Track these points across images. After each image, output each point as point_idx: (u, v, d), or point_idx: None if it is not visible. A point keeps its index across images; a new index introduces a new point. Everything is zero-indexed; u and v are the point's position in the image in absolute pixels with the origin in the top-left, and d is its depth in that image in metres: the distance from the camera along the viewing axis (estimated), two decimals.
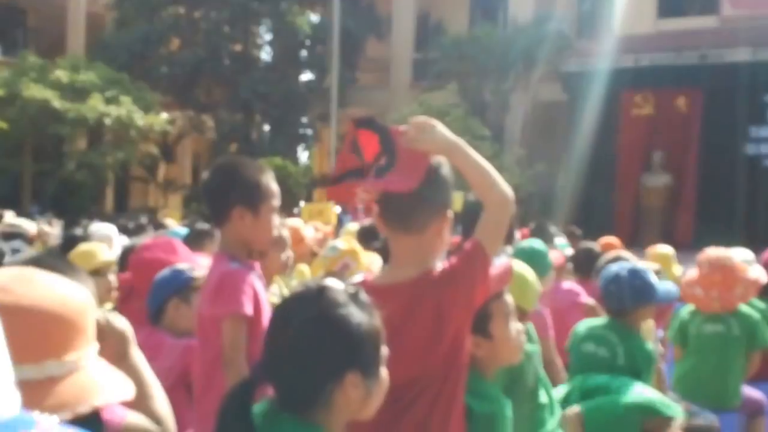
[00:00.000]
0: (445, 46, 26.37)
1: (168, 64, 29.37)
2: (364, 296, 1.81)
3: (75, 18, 29.33)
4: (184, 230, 6.21)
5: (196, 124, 30.21)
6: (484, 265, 2.23)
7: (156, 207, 27.78)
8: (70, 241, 6.20)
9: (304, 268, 5.61)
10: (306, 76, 31.71)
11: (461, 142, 2.26)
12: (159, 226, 9.86)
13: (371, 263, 4.68)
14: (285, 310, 1.82)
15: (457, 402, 2.28)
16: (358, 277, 2.46)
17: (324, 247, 5.50)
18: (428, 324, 2.19)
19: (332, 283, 1.81)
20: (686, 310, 5.36)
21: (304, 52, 30.87)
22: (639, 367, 4.07)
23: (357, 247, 4.86)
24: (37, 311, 1.32)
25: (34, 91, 22.47)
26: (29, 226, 7.68)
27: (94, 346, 1.44)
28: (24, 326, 1.29)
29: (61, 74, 23.52)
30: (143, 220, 12.27)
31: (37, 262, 2.36)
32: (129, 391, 1.42)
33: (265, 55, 32.37)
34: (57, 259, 2.40)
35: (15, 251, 6.71)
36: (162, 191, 29.62)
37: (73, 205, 22.17)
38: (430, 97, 24.34)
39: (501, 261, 2.54)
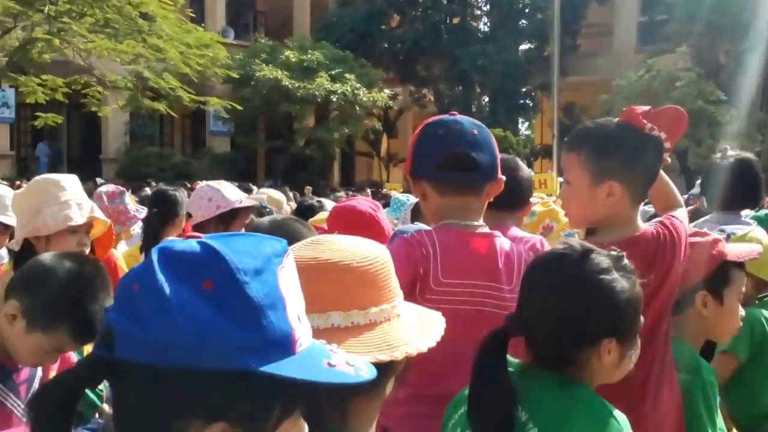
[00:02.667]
0: (674, 6, 24.95)
1: (389, 41, 29.89)
2: (627, 262, 1.79)
3: (300, 0, 30.52)
4: (407, 197, 6.22)
5: (417, 99, 30.57)
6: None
7: (380, 180, 28.48)
8: (303, 210, 6.45)
9: None
10: (525, 46, 31.18)
11: None
12: (384, 197, 10.02)
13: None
14: (546, 267, 1.82)
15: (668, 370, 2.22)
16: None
17: None
18: None
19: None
20: None
21: (523, 21, 30.32)
22: None
23: (555, 207, 4.72)
24: (336, 265, 1.40)
25: (266, 71, 23.64)
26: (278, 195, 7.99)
27: (397, 300, 1.47)
28: (323, 278, 1.38)
29: (290, 54, 24.57)
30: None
31: (274, 222, 2.44)
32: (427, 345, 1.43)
33: (484, 26, 32.12)
34: (297, 221, 2.49)
35: None
36: (385, 165, 30.32)
37: (303, 179, 23.14)
38: (658, 62, 23.18)
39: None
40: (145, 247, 4.31)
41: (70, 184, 3.03)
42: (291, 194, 12.88)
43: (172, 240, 1.04)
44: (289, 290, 1.04)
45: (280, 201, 7.31)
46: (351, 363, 1.08)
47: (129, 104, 18.64)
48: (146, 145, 25.42)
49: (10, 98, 22.08)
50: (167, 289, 0.96)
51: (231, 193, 3.74)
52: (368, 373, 1.09)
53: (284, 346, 1.00)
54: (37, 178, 3.13)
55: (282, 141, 26.26)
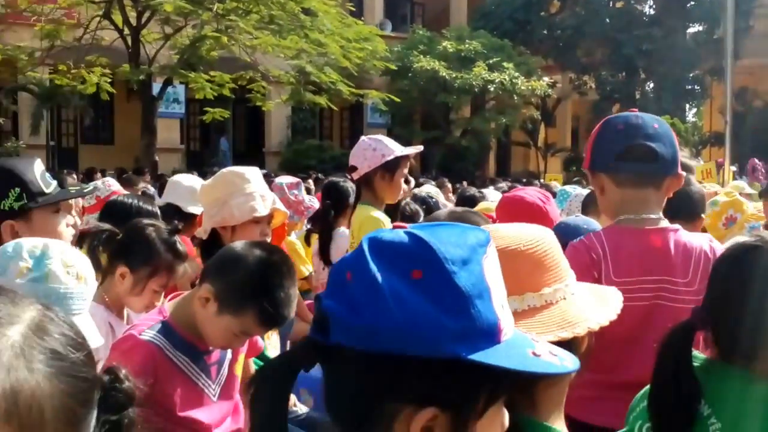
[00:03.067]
0: None
1: (548, 27, 29.41)
2: None
3: None
4: (573, 189, 6.09)
5: (578, 86, 29.94)
6: None
7: (536, 171, 28.11)
8: (464, 200, 6.48)
9: None
10: (693, 28, 29.88)
11: None
12: (544, 188, 9.89)
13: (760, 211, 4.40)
14: (735, 259, 1.74)
15: None
16: None
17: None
18: None
19: None
20: None
21: (691, 3, 29.06)
22: None
23: (739, 198, 4.50)
24: (510, 251, 1.40)
25: (423, 62, 23.80)
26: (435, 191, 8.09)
27: (569, 280, 1.47)
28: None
29: (448, 45, 24.62)
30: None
31: (454, 213, 2.47)
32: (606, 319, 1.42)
33: (649, 9, 31.00)
34: (474, 213, 2.53)
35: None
36: (542, 155, 29.88)
37: (459, 170, 23.17)
38: None
39: None
40: (320, 237, 4.43)
41: (254, 176, 3.16)
42: (449, 186, 12.91)
43: (381, 230, 1.06)
44: (493, 279, 1.04)
45: (436, 195, 7.37)
46: (554, 353, 1.08)
47: (291, 98, 19.23)
48: (307, 138, 26.15)
49: (181, 94, 23.23)
50: (379, 278, 0.99)
51: (392, 143, 3.87)
52: (573, 364, 1.09)
53: (490, 335, 1.01)
54: (223, 170, 3.28)
55: (438, 132, 26.37)
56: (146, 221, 2.82)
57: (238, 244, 2.33)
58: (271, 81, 18.68)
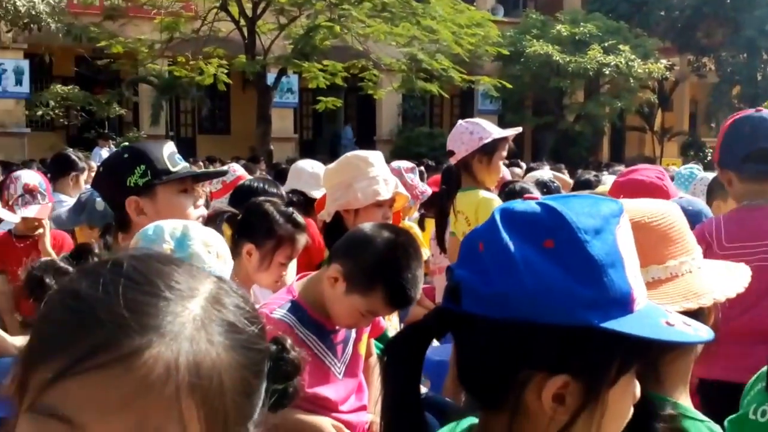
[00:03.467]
0: None
1: (666, 9, 28.47)
2: None
3: None
4: (690, 170, 5.93)
5: (696, 68, 28.90)
6: None
7: (652, 156, 27.31)
8: (581, 185, 6.43)
9: None
10: None
11: None
12: None
13: None
14: None
15: None
16: None
17: None
18: None
19: None
20: None
21: None
22: None
23: None
24: (634, 223, 1.40)
25: (536, 47, 23.44)
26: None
27: (695, 254, 1.47)
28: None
29: (562, 28, 24.17)
30: None
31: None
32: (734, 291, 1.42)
33: None
34: (597, 195, 2.54)
35: None
36: (659, 139, 29.01)
37: (571, 155, 22.74)
38: None
39: None
40: (437, 220, 4.46)
41: (377, 160, 3.22)
42: (565, 171, 12.72)
43: (513, 201, 1.09)
44: (626, 249, 1.05)
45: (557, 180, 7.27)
46: (688, 323, 1.07)
47: (403, 86, 19.24)
48: (417, 125, 26.14)
49: (294, 84, 23.56)
50: (511, 247, 1.01)
51: (489, 126, 3.86)
52: (707, 334, 1.08)
53: (623, 304, 1.01)
54: (347, 154, 3.36)
55: (550, 117, 25.93)
56: (262, 198, 2.93)
57: (367, 226, 2.39)
58: (382, 69, 18.74)
